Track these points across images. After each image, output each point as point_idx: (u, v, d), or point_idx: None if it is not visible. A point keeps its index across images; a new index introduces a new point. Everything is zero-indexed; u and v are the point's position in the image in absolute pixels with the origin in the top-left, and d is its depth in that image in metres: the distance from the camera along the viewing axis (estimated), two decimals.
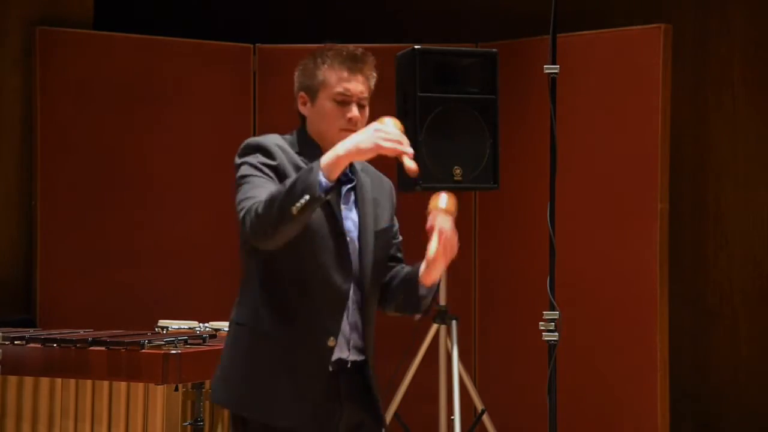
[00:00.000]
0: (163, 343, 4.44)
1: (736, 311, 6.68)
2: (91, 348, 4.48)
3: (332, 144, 3.15)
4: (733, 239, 6.70)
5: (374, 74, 3.35)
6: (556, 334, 4.55)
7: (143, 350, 4.41)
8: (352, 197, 3.37)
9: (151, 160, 6.54)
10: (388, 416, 5.67)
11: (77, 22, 6.51)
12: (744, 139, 6.68)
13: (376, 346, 6.08)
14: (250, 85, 6.71)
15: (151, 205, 6.51)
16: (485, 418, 5.64)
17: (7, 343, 4.58)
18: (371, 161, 3.32)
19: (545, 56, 4.61)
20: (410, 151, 3.10)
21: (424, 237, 3.39)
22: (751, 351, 6.65)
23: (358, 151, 3.07)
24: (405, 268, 3.48)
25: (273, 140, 3.31)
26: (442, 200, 3.31)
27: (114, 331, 4.78)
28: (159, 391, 4.38)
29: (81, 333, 4.71)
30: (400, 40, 6.31)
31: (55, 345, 4.53)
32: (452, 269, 5.78)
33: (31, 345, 4.58)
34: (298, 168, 3.23)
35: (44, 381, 4.54)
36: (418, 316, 3.48)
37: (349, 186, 3.38)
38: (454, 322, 5.58)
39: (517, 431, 6.28)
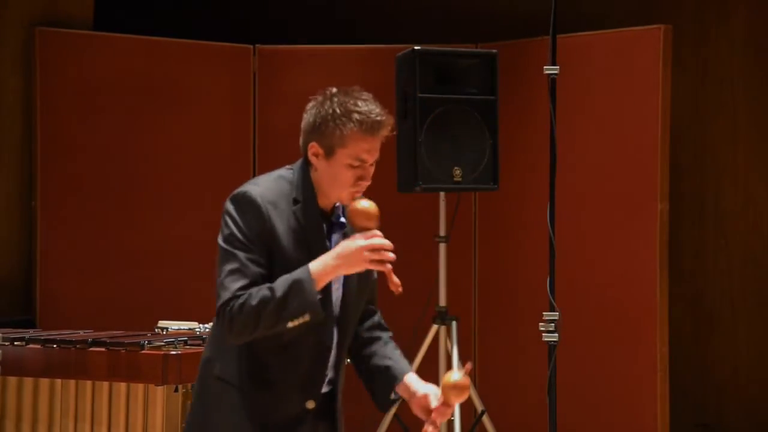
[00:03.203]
0: (163, 343, 4.44)
1: (736, 312, 6.68)
2: (90, 349, 4.48)
3: (340, 201, 3.25)
4: (733, 239, 6.70)
5: (389, 134, 3.28)
6: (556, 334, 4.55)
7: (143, 351, 4.41)
8: (339, 239, 3.33)
9: (150, 160, 6.54)
10: (388, 416, 5.68)
11: (77, 23, 6.51)
12: (744, 139, 6.68)
13: None
14: (250, 86, 6.71)
15: (151, 206, 6.51)
16: (485, 418, 5.65)
17: (7, 343, 4.58)
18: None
19: (545, 57, 4.61)
20: (390, 263, 3.17)
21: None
22: (750, 351, 6.66)
23: (345, 270, 3.17)
24: (386, 357, 3.49)
25: (267, 194, 3.22)
26: (455, 376, 3.31)
27: (114, 332, 4.78)
28: (159, 392, 4.38)
29: (81, 333, 4.71)
30: (400, 40, 6.31)
31: (54, 346, 4.53)
32: (452, 270, 5.82)
33: (31, 346, 4.57)
34: (288, 227, 3.20)
35: (44, 382, 4.53)
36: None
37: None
38: (454, 323, 5.58)
39: (516, 431, 6.29)
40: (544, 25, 4.61)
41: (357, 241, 3.14)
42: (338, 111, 3.22)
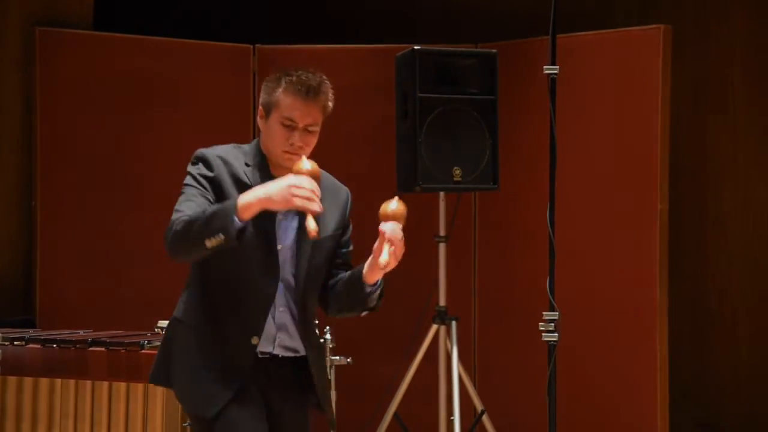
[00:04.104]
0: None
1: (736, 312, 6.68)
2: (90, 348, 4.49)
3: (276, 160, 3.54)
4: (733, 240, 6.70)
5: (329, 103, 3.58)
6: (556, 334, 4.55)
7: (143, 350, 4.42)
8: None
9: (150, 160, 6.54)
10: (388, 416, 5.68)
11: (77, 22, 6.51)
12: (744, 139, 6.68)
13: (377, 346, 6.10)
14: (249, 85, 6.71)
15: (151, 205, 6.50)
16: (485, 418, 5.65)
17: (7, 343, 4.59)
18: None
19: (545, 57, 4.61)
20: (317, 209, 3.33)
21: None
22: (750, 352, 6.66)
23: (270, 203, 3.35)
24: (348, 272, 3.70)
25: (218, 152, 3.58)
26: (392, 205, 3.52)
27: (114, 332, 4.78)
28: (159, 392, 4.39)
29: (81, 333, 4.72)
30: (400, 40, 6.31)
31: (54, 345, 4.54)
32: (452, 270, 5.82)
33: (31, 345, 4.58)
34: (236, 180, 3.52)
35: (44, 381, 4.54)
36: (364, 313, 3.71)
37: None
38: (453, 323, 5.58)
39: (516, 431, 6.29)
40: (544, 25, 4.60)
41: (287, 179, 3.36)
42: (279, 76, 3.56)
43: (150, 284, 6.39)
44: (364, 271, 3.55)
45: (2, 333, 4.65)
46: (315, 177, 3.36)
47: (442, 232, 5.67)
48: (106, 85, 6.43)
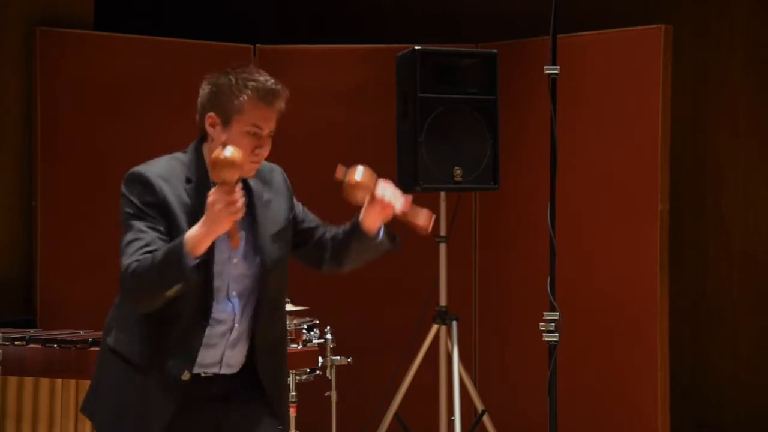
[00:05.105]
0: None
1: (736, 311, 6.68)
2: (91, 348, 4.48)
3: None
4: (733, 239, 6.70)
5: (283, 106, 3.37)
6: (556, 334, 4.54)
7: None
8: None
9: (150, 160, 6.53)
10: (388, 416, 5.68)
11: (77, 22, 6.51)
12: (744, 139, 6.68)
13: (377, 346, 6.10)
14: None
15: None
16: (485, 418, 5.65)
17: (7, 343, 4.58)
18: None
19: (545, 57, 4.60)
20: (241, 214, 3.15)
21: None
22: (751, 351, 6.66)
23: (219, 232, 3.15)
24: (337, 229, 3.52)
25: (157, 169, 3.32)
26: (359, 173, 3.45)
27: None
28: None
29: (81, 333, 4.72)
30: (400, 40, 6.31)
31: (55, 345, 4.53)
32: (452, 270, 5.82)
33: (32, 345, 4.58)
34: (180, 202, 3.28)
35: (44, 381, 4.54)
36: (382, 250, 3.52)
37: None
38: (454, 323, 5.58)
39: (517, 431, 6.29)
40: (544, 25, 4.60)
41: (215, 201, 3.12)
42: (234, 81, 3.31)
43: None
44: (362, 225, 3.40)
45: (3, 333, 4.65)
46: (237, 164, 3.12)
47: (442, 232, 5.67)
48: (106, 85, 6.43)
